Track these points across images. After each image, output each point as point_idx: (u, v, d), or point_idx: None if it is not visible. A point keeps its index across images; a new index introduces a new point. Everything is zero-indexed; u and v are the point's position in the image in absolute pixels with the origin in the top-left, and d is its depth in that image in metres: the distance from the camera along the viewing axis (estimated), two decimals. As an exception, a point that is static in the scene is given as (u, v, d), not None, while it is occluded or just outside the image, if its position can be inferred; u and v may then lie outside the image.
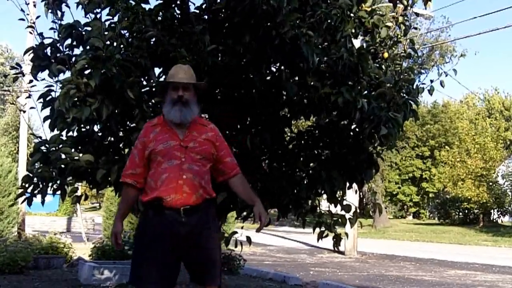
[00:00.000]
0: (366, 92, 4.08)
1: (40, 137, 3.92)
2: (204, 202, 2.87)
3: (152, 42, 3.86)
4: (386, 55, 4.31)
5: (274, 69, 4.32)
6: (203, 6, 4.19)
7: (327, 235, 4.54)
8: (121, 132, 3.97)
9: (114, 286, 7.61)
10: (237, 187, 3.05)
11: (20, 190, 3.84)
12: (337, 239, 4.56)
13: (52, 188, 3.84)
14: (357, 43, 5.13)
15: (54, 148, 3.71)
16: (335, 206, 4.55)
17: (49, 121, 3.83)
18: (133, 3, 3.87)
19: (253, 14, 3.64)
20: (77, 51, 3.94)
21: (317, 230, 4.59)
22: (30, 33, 4.11)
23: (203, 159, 2.90)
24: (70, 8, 3.94)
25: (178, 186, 2.79)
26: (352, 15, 4.10)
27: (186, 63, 3.62)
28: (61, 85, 3.66)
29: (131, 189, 2.95)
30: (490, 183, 30.40)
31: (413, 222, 38.23)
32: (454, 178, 31.04)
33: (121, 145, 4.06)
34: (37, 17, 4.16)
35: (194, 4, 4.15)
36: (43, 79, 3.93)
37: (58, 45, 3.88)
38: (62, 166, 3.68)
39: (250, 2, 3.56)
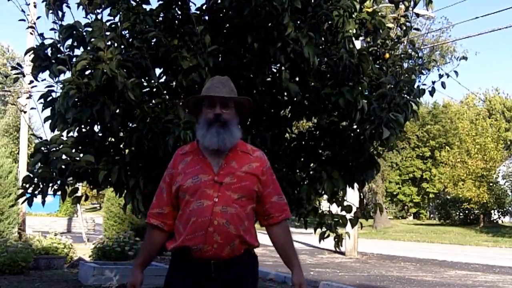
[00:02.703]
0: (366, 92, 4.08)
1: (41, 138, 3.92)
2: (242, 255, 2.32)
3: (153, 43, 3.85)
4: (387, 56, 4.31)
5: (274, 70, 4.32)
6: (204, 7, 4.19)
7: (328, 236, 4.54)
8: (121, 133, 3.97)
9: (114, 286, 7.61)
10: (277, 237, 2.45)
11: (21, 191, 3.84)
12: (339, 240, 4.56)
13: (52, 189, 3.84)
14: (357, 44, 5.13)
15: (54, 149, 3.71)
16: (338, 207, 4.55)
17: (49, 121, 3.82)
18: (134, 3, 3.87)
19: (256, 15, 3.64)
20: (77, 51, 3.94)
21: (319, 230, 4.58)
22: (31, 33, 4.11)
23: (243, 199, 2.31)
24: (70, 8, 3.94)
25: (208, 234, 2.24)
26: (353, 16, 4.10)
27: (186, 64, 3.62)
28: (61, 86, 3.66)
29: (157, 232, 2.44)
30: (491, 184, 30.40)
31: (413, 222, 38.23)
32: (455, 179, 31.05)
33: (121, 146, 4.06)
34: (38, 18, 4.16)
35: (195, 5, 4.15)
36: (44, 79, 3.94)
37: (58, 45, 3.88)
38: (63, 166, 3.68)
39: (254, 4, 3.56)
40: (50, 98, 3.84)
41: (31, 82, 4.09)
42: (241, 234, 2.30)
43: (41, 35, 3.94)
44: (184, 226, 2.31)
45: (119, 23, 3.86)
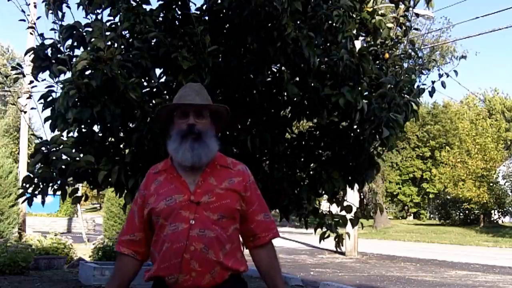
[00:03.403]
0: (366, 93, 4.08)
1: (41, 138, 3.92)
2: (227, 282, 2.04)
3: (153, 43, 3.86)
4: (387, 56, 4.31)
5: (275, 70, 4.32)
6: (204, 7, 4.19)
7: (328, 236, 4.54)
8: (121, 133, 3.97)
9: (114, 286, 7.59)
10: (262, 261, 2.19)
11: (21, 191, 3.84)
12: (339, 240, 4.56)
13: (52, 189, 3.84)
14: (357, 44, 5.13)
15: (54, 149, 3.71)
16: (337, 207, 4.55)
17: (50, 121, 3.83)
18: (134, 3, 3.87)
19: (255, 16, 3.64)
20: (77, 51, 3.94)
21: (319, 231, 4.59)
22: (31, 33, 4.11)
23: (224, 219, 2.04)
24: (70, 8, 3.94)
25: (184, 261, 1.97)
26: (353, 16, 4.10)
27: (187, 64, 3.62)
28: (61, 86, 3.66)
29: (129, 262, 2.16)
30: (491, 184, 30.41)
31: (413, 222, 38.23)
32: (455, 179, 31.06)
33: (121, 146, 4.06)
34: (38, 18, 4.16)
35: (195, 5, 4.16)
36: (44, 79, 3.94)
37: (58, 45, 3.88)
38: (63, 166, 3.68)
39: (253, 4, 3.56)
40: (50, 98, 3.84)
41: (31, 82, 4.09)
42: (222, 261, 2.01)
43: (41, 35, 3.94)
44: (159, 254, 2.03)
45: (119, 23, 3.86)
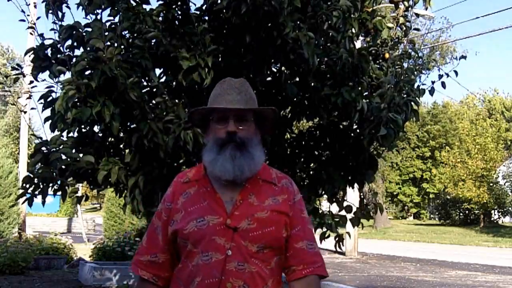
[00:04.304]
0: (366, 93, 4.08)
1: (41, 138, 3.92)
2: None
3: (153, 43, 3.86)
4: (387, 55, 4.31)
5: (274, 70, 4.32)
6: (204, 7, 4.19)
7: (329, 236, 4.54)
8: (121, 133, 3.97)
9: (114, 287, 7.62)
10: None
11: (21, 191, 3.84)
12: (339, 239, 4.56)
13: (52, 189, 3.84)
14: (357, 44, 5.13)
15: (54, 149, 3.71)
16: (337, 207, 4.55)
17: (50, 122, 3.82)
18: (134, 3, 3.87)
19: (254, 15, 3.64)
20: (77, 52, 3.94)
21: (319, 230, 4.59)
22: (31, 33, 4.11)
23: (266, 250, 1.70)
24: (70, 9, 3.94)
25: None
26: (353, 16, 4.10)
27: (187, 64, 3.62)
28: (61, 86, 3.66)
29: (148, 287, 1.83)
30: (491, 184, 30.45)
31: (413, 222, 38.27)
32: (455, 179, 31.10)
33: (121, 146, 4.06)
34: (38, 18, 4.16)
35: (194, 5, 4.16)
36: (44, 80, 3.93)
37: (58, 46, 3.88)
38: (63, 166, 3.68)
39: (252, 3, 3.55)
40: (50, 98, 3.84)
41: (31, 82, 4.09)
42: None
43: (41, 35, 3.94)
44: (187, 285, 1.71)
45: (118, 23, 3.86)
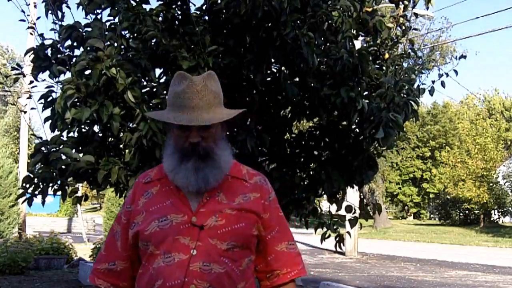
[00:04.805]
0: (366, 93, 4.08)
1: (41, 138, 3.92)
2: None
3: (152, 43, 3.86)
4: (386, 55, 4.31)
5: (274, 70, 4.33)
6: (204, 7, 4.19)
7: (329, 236, 4.54)
8: (121, 133, 3.97)
9: (114, 286, 7.60)
10: None
11: (21, 191, 3.84)
12: (340, 239, 4.56)
13: (52, 189, 3.84)
14: (357, 44, 5.13)
15: (54, 149, 3.71)
16: (337, 207, 4.55)
17: (50, 121, 3.83)
18: (134, 3, 3.88)
19: (254, 15, 3.64)
20: (77, 52, 3.94)
21: (319, 231, 4.59)
22: (31, 33, 4.11)
23: (236, 249, 1.58)
24: (70, 9, 3.94)
25: None
26: (353, 16, 4.10)
27: (186, 64, 3.62)
28: (61, 86, 3.66)
29: None
30: (491, 184, 30.44)
31: (413, 222, 38.27)
32: (455, 179, 31.10)
33: (121, 146, 4.06)
34: (38, 18, 4.16)
35: (194, 5, 4.16)
36: (44, 79, 3.94)
37: (58, 46, 3.88)
38: (63, 166, 3.68)
39: (252, 3, 3.56)
40: (50, 98, 3.84)
41: (31, 82, 4.09)
42: None
43: (41, 35, 3.95)
44: None
45: (118, 23, 3.86)
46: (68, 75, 3.73)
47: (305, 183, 4.35)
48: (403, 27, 4.45)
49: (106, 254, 1.73)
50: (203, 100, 1.58)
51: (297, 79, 4.14)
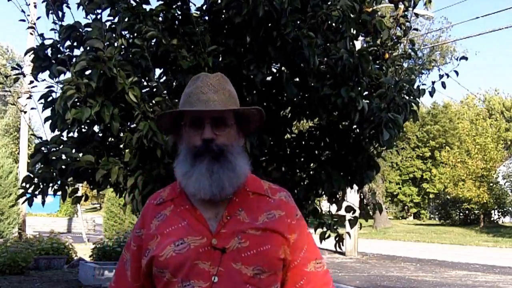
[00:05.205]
0: (366, 93, 4.08)
1: (41, 138, 3.92)
2: None
3: (152, 43, 3.86)
4: (387, 56, 4.31)
5: (274, 70, 4.33)
6: (204, 7, 4.20)
7: (329, 236, 4.54)
8: (121, 133, 3.97)
9: (114, 286, 7.60)
10: None
11: (21, 191, 3.84)
12: (339, 239, 4.56)
13: (52, 189, 3.84)
14: (357, 44, 5.13)
15: (54, 149, 3.71)
16: (337, 207, 4.55)
17: (50, 121, 3.83)
18: (134, 3, 3.88)
19: (255, 15, 3.64)
20: (77, 52, 3.94)
21: (319, 230, 4.59)
22: (31, 33, 4.11)
23: (263, 275, 1.43)
24: (70, 8, 3.94)
25: None
26: (353, 16, 4.10)
27: (186, 64, 3.62)
28: (61, 86, 3.66)
29: None
30: (491, 184, 30.47)
31: (413, 222, 38.29)
32: (455, 179, 31.13)
33: (121, 146, 4.06)
34: (38, 18, 4.16)
35: (195, 5, 4.16)
36: (44, 79, 3.94)
37: (58, 46, 3.88)
38: (63, 166, 3.68)
39: (253, 4, 3.56)
40: (50, 98, 3.84)
41: (31, 82, 4.09)
42: None
43: (41, 35, 3.95)
44: None
45: (118, 23, 3.86)
46: (68, 75, 3.73)
47: (305, 183, 4.35)
48: (404, 28, 4.45)
49: (116, 287, 1.58)
50: (217, 93, 1.48)
51: (297, 79, 4.14)
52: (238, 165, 1.46)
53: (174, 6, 4.07)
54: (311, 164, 4.45)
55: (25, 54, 4.00)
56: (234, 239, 1.42)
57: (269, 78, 4.25)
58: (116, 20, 3.92)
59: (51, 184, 3.80)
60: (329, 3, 3.95)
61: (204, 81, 1.50)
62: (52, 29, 3.87)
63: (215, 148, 1.44)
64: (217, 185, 1.42)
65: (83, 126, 3.87)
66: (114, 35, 3.70)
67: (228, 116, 1.49)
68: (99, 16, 3.75)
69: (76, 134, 3.91)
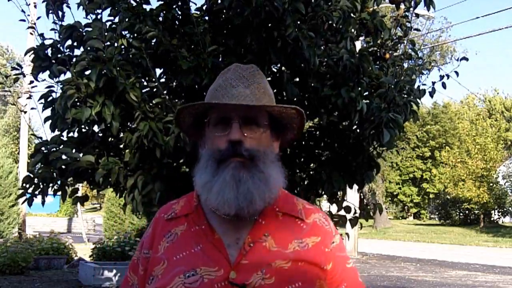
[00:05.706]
0: (366, 93, 4.08)
1: (41, 138, 3.92)
2: None
3: (153, 43, 3.86)
4: (387, 56, 4.31)
5: (275, 70, 4.33)
6: (204, 7, 4.19)
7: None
8: (121, 133, 3.97)
9: (114, 287, 7.61)
10: None
11: (21, 191, 3.84)
12: (339, 240, 4.56)
13: (52, 189, 3.84)
14: (358, 44, 5.13)
15: (54, 149, 3.71)
16: (337, 207, 4.55)
17: (50, 121, 3.83)
18: (134, 3, 3.88)
19: (256, 16, 3.64)
20: (77, 51, 3.94)
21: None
22: (31, 33, 4.11)
23: None
24: (70, 9, 3.94)
25: None
26: (354, 16, 4.10)
27: (186, 64, 3.62)
28: (61, 86, 3.66)
29: None
30: (491, 184, 30.49)
31: (413, 222, 38.30)
32: (455, 179, 31.14)
33: (121, 146, 4.06)
34: (38, 18, 4.16)
35: (195, 5, 4.16)
36: (44, 79, 3.94)
37: (58, 45, 3.88)
38: (63, 166, 3.68)
39: (254, 4, 3.56)
40: (50, 98, 3.84)
41: (31, 82, 4.09)
42: None
43: (41, 35, 3.94)
44: None
45: (118, 23, 3.86)
46: (68, 75, 3.73)
47: (305, 183, 4.35)
48: (404, 28, 4.46)
49: None
50: (250, 87, 1.21)
51: (297, 79, 4.14)
52: (272, 177, 1.21)
53: (174, 6, 4.07)
54: (311, 164, 4.44)
55: (25, 54, 3.99)
56: (256, 273, 1.15)
57: (269, 79, 4.25)
58: (116, 20, 3.92)
59: (51, 184, 3.80)
60: (329, 3, 3.95)
61: (236, 73, 1.24)
62: (52, 29, 3.87)
63: (244, 152, 1.18)
64: (245, 197, 1.15)
65: (83, 126, 3.87)
66: (114, 35, 3.70)
67: (260, 116, 1.22)
68: (99, 16, 3.75)
69: (76, 134, 3.91)
